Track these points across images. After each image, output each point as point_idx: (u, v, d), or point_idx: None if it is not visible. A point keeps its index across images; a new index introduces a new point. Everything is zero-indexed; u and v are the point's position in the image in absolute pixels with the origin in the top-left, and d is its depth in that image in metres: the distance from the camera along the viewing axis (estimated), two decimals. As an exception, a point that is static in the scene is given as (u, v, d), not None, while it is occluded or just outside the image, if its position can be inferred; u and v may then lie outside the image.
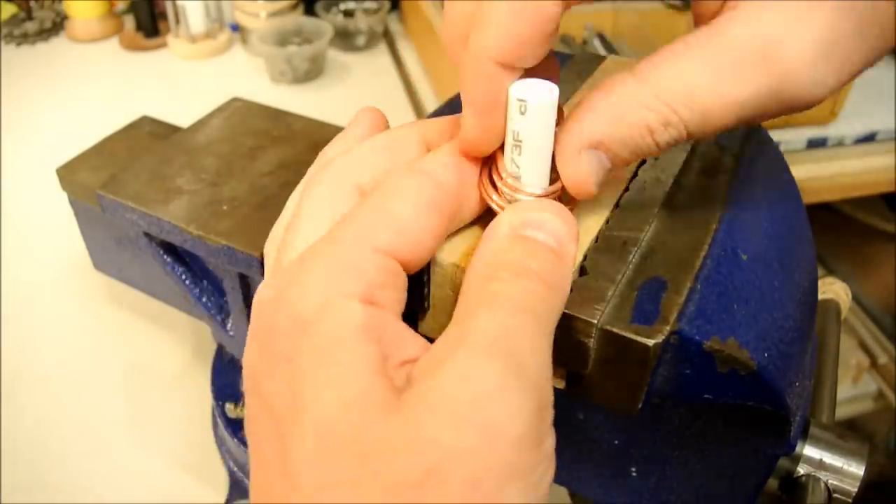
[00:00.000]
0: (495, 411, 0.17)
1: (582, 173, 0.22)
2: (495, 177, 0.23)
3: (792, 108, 0.22)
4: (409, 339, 0.20)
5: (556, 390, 0.25)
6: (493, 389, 0.17)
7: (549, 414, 0.19)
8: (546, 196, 0.23)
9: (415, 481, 0.16)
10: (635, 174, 0.30)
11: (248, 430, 0.21)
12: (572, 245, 0.22)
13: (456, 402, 0.17)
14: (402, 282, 0.21)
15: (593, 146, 0.22)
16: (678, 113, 0.21)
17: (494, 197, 0.23)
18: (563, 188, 0.23)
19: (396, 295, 0.21)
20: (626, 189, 0.29)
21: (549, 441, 0.19)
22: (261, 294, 0.21)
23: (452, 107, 0.39)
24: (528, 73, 0.22)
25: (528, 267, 0.20)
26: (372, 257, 0.20)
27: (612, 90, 0.22)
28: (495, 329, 0.19)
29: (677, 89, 0.21)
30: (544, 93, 0.21)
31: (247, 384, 0.21)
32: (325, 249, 0.21)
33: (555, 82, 0.22)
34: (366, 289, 0.20)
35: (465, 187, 0.23)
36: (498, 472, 0.17)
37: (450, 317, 0.26)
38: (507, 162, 0.23)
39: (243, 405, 0.52)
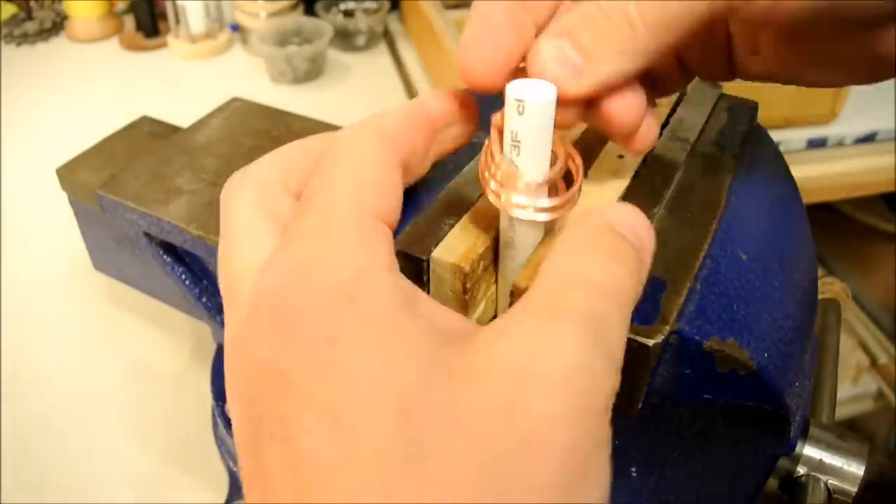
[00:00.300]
0: (586, 385, 0.17)
1: (537, 57, 0.22)
2: (492, 169, 0.23)
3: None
4: (440, 309, 0.20)
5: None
6: (585, 365, 0.17)
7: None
8: (542, 185, 0.23)
9: (514, 448, 0.16)
10: (635, 174, 0.30)
11: (265, 441, 0.17)
12: (650, 256, 0.22)
13: (548, 373, 0.17)
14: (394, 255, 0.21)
15: (555, 35, 0.22)
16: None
17: (492, 185, 0.23)
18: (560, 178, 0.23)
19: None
20: (627, 189, 0.29)
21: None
22: (263, 284, 0.19)
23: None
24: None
25: (622, 256, 0.20)
26: (377, 225, 0.20)
27: None
28: (590, 310, 0.18)
29: None
30: (542, 92, 0.21)
31: (262, 386, 0.18)
32: (328, 223, 0.20)
33: None
34: (388, 257, 0.19)
35: (413, 140, 0.24)
36: (591, 441, 0.17)
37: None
38: (505, 162, 0.23)
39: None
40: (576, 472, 0.16)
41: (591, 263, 0.20)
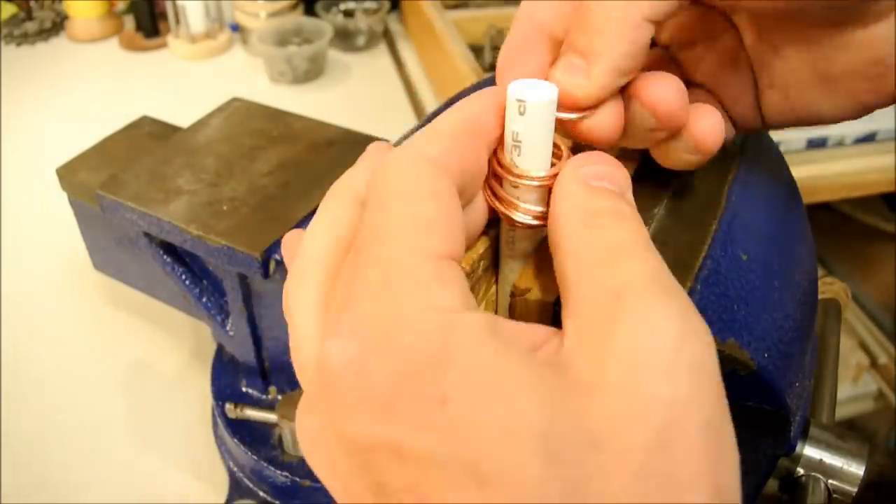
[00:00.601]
0: (695, 349, 0.17)
1: (551, 79, 0.23)
2: (497, 170, 0.23)
3: None
4: (518, 327, 0.19)
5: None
6: (683, 329, 0.17)
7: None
8: (541, 186, 0.23)
9: (656, 445, 0.15)
10: (635, 174, 0.30)
11: None
12: (630, 193, 0.22)
13: (658, 353, 0.16)
14: (467, 285, 0.20)
15: (562, 52, 0.23)
16: None
17: (491, 187, 0.23)
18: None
19: (474, 300, 0.20)
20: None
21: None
22: (336, 354, 0.18)
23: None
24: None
25: (623, 209, 0.20)
26: (443, 266, 0.19)
27: None
28: (643, 272, 0.18)
29: None
30: (543, 92, 0.21)
31: (375, 459, 0.17)
32: (392, 276, 0.18)
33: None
34: (463, 297, 0.18)
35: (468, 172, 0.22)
36: (720, 414, 0.17)
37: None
38: (506, 163, 0.23)
39: (243, 406, 0.52)
40: (717, 449, 0.16)
41: (606, 231, 0.19)
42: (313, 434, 0.19)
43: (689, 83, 0.27)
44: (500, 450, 0.15)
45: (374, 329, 0.17)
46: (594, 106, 0.23)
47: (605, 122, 0.23)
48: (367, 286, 0.18)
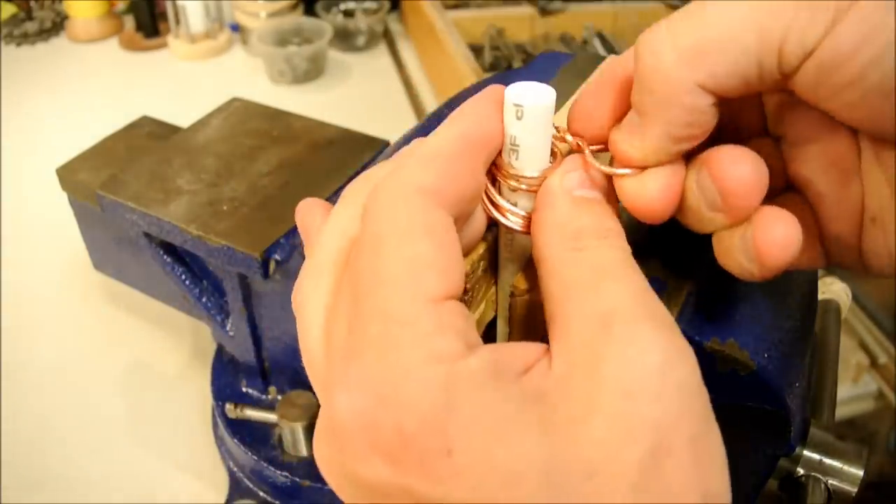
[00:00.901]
0: (681, 372, 0.17)
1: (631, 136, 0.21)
2: (492, 170, 0.23)
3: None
4: (514, 350, 0.19)
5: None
6: (669, 353, 0.17)
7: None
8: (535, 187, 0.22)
9: (648, 464, 0.16)
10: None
11: None
12: (614, 195, 0.22)
13: (647, 379, 0.17)
14: (468, 316, 0.20)
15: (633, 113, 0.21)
16: (679, 45, 0.19)
17: (488, 190, 0.23)
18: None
19: (472, 324, 0.20)
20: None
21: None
22: (346, 406, 0.18)
23: (452, 107, 0.39)
24: None
25: (607, 227, 0.20)
26: (443, 309, 0.18)
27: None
28: (628, 296, 0.18)
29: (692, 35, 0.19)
30: (540, 96, 0.21)
31: (388, 498, 0.18)
32: (392, 330, 0.18)
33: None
34: (463, 340, 0.18)
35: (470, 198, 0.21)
36: (706, 425, 0.17)
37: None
38: (504, 166, 0.23)
39: (243, 406, 0.52)
40: (705, 459, 0.17)
41: (591, 253, 0.20)
42: (327, 460, 0.19)
43: (790, 188, 0.23)
44: (506, 493, 0.16)
45: (380, 383, 0.18)
46: (644, 167, 0.21)
47: (654, 187, 0.21)
48: (369, 339, 0.18)
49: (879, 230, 0.21)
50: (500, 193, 0.23)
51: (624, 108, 0.22)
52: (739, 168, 0.20)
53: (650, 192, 0.21)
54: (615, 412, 0.17)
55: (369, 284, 0.19)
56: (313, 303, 0.21)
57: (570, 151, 0.23)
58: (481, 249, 0.24)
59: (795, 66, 0.18)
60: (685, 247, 0.26)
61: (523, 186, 0.22)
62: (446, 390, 0.17)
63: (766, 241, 0.20)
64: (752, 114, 0.23)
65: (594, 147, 0.22)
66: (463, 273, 0.20)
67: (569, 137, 0.23)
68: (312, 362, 0.21)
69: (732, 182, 0.20)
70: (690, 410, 0.17)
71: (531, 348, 0.19)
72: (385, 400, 0.17)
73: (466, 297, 0.25)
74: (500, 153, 0.23)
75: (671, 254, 0.26)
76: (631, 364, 0.17)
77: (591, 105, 0.23)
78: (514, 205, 0.23)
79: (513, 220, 0.23)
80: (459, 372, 0.17)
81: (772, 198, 0.21)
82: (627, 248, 0.20)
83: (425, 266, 0.19)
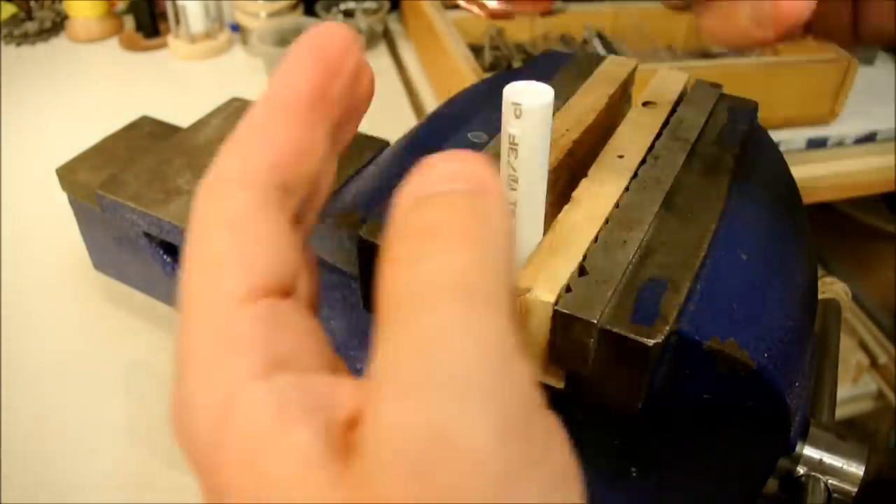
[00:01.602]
0: (449, 454, 0.13)
1: None
2: None
3: None
4: (340, 389, 0.16)
5: (556, 390, 0.25)
6: (435, 432, 0.13)
7: (531, 400, 0.14)
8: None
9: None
10: (635, 174, 0.30)
11: None
12: (493, 180, 0.16)
13: (405, 459, 0.13)
14: (286, 306, 0.16)
15: None
16: None
17: None
18: None
19: (295, 326, 0.16)
20: (627, 189, 0.29)
21: (543, 424, 0.15)
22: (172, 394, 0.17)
23: (452, 106, 0.39)
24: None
25: (438, 231, 0.15)
26: (246, 315, 0.16)
27: None
28: (414, 354, 0.14)
29: None
30: (539, 95, 0.21)
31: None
32: (192, 343, 0.16)
33: None
34: (262, 356, 0.15)
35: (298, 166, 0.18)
36: (522, 458, 0.13)
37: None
38: (503, 165, 0.23)
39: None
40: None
41: (404, 270, 0.15)
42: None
43: None
44: None
45: (178, 398, 0.16)
46: None
47: None
48: (176, 355, 0.17)
49: None
50: None
51: None
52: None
53: None
54: (403, 477, 0.13)
55: (182, 291, 0.17)
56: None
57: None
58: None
59: None
60: (685, 246, 0.26)
61: None
62: (224, 416, 0.15)
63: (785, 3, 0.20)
64: None
65: None
66: (289, 260, 0.17)
67: None
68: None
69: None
70: (472, 497, 0.13)
71: (343, 387, 0.16)
72: (179, 418, 0.16)
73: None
74: None
75: (671, 253, 0.26)
76: (387, 439, 0.13)
77: None
78: None
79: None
80: (241, 398, 0.15)
81: None
82: (480, 261, 0.15)
83: (223, 264, 0.16)
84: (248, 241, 0.17)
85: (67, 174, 0.53)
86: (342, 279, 0.36)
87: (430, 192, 0.16)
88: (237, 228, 0.17)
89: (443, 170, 0.16)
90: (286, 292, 0.17)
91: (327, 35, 0.19)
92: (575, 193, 0.28)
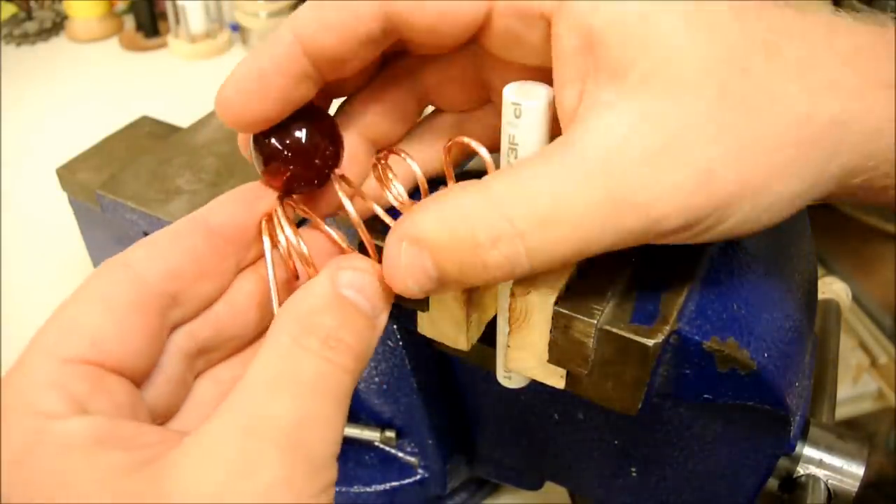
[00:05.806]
0: (285, 500, 0.17)
1: (395, 263, 0.21)
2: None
3: (651, 227, 0.20)
4: (140, 429, 0.19)
5: (556, 390, 0.25)
6: (281, 481, 0.17)
7: (327, 476, 0.19)
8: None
9: None
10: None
11: None
12: (385, 315, 0.21)
13: (244, 498, 0.17)
14: (121, 385, 0.20)
15: (414, 243, 0.20)
16: (514, 224, 0.19)
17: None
18: None
19: (118, 398, 0.19)
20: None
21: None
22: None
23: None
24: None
25: (342, 338, 0.20)
26: (64, 370, 0.19)
27: (450, 194, 0.20)
28: (293, 419, 0.18)
29: (517, 195, 0.19)
30: (539, 95, 0.21)
31: None
32: (11, 377, 0.19)
33: None
34: (74, 403, 0.18)
35: (183, 276, 0.22)
36: None
37: (448, 320, 0.26)
38: (503, 165, 0.23)
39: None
40: None
41: (305, 355, 0.19)
42: None
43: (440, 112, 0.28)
44: None
45: None
46: None
47: None
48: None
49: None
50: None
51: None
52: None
53: None
54: None
55: (38, 331, 0.20)
56: None
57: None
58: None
59: None
60: (685, 246, 0.26)
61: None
62: (31, 444, 0.18)
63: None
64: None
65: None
66: (139, 352, 0.20)
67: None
68: None
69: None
70: None
71: (167, 434, 0.19)
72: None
73: (466, 297, 0.25)
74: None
75: (671, 253, 0.26)
76: (233, 473, 0.17)
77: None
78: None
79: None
80: (51, 431, 0.18)
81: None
82: (352, 372, 0.20)
83: (72, 326, 0.20)
84: (104, 319, 0.20)
85: (67, 174, 0.53)
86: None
87: (350, 297, 0.20)
88: (103, 305, 0.20)
89: (363, 280, 0.21)
90: (121, 372, 0.20)
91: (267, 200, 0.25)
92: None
